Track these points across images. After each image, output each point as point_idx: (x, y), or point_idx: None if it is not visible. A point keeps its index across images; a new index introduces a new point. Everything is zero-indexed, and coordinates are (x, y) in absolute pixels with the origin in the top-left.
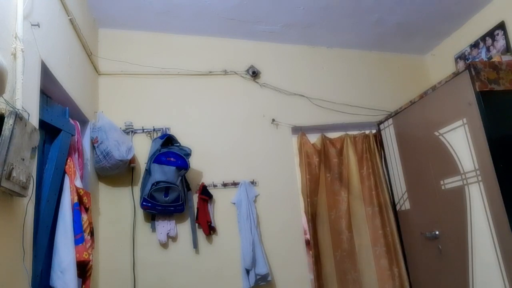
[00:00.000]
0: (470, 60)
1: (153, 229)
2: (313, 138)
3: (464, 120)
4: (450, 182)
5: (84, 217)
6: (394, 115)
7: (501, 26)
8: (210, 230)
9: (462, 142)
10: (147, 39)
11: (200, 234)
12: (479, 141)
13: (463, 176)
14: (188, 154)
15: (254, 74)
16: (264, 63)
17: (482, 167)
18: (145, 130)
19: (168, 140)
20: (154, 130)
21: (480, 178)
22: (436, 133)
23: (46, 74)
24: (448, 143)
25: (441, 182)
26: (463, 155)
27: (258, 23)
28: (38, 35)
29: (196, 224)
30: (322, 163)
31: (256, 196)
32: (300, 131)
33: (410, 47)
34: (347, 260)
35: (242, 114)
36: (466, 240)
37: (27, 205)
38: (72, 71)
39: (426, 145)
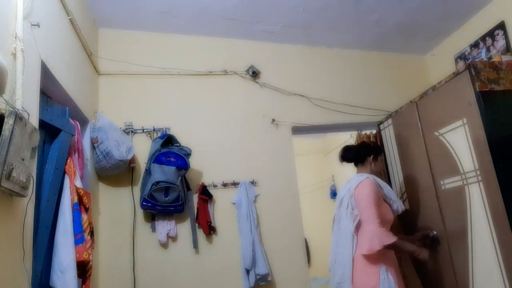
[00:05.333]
0: (470, 60)
1: (153, 229)
2: (313, 138)
3: (464, 120)
4: (450, 182)
5: (84, 217)
6: (394, 115)
7: (501, 26)
8: (210, 230)
9: (462, 142)
10: (147, 39)
11: (200, 234)
12: (479, 141)
13: (463, 176)
14: (188, 154)
15: (254, 74)
16: (264, 63)
17: (482, 167)
18: (145, 130)
19: (168, 140)
20: (154, 130)
21: (480, 178)
22: (436, 133)
23: (46, 74)
24: (448, 143)
25: (441, 182)
26: (463, 155)
27: (258, 23)
28: (38, 35)
29: (196, 224)
30: None
31: (256, 196)
32: (299, 131)
33: (410, 47)
34: None
35: (242, 114)
36: (466, 241)
37: (27, 205)
38: (72, 71)
39: (426, 145)
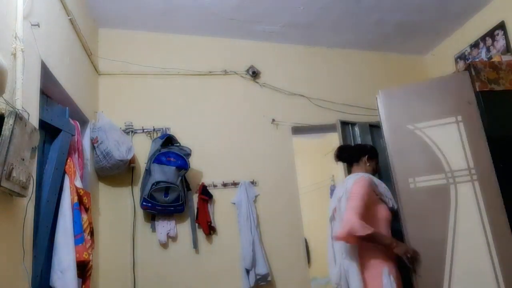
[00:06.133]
0: (470, 60)
1: (153, 229)
2: (313, 138)
3: (459, 117)
4: (425, 181)
5: (84, 217)
6: None
7: (501, 26)
8: (210, 230)
9: (453, 139)
10: (147, 39)
11: (200, 234)
12: (478, 141)
13: (449, 175)
14: (188, 154)
15: (254, 74)
16: (264, 63)
17: (479, 166)
18: (145, 130)
19: (168, 140)
20: (154, 130)
21: (475, 177)
22: (410, 127)
23: (46, 74)
24: (429, 138)
25: (410, 180)
26: (452, 153)
27: (258, 23)
28: (38, 35)
29: (196, 224)
30: None
31: (256, 196)
32: (299, 131)
33: (410, 47)
34: None
35: (242, 114)
36: (444, 242)
37: (27, 205)
38: (72, 71)
39: (391, 138)
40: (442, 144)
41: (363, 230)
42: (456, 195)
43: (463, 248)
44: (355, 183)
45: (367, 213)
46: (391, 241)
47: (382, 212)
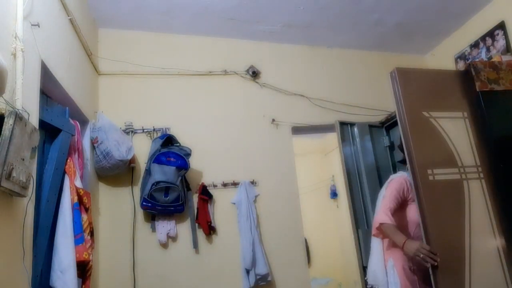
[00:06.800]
0: (470, 60)
1: (153, 229)
2: (313, 138)
3: (465, 114)
4: (443, 174)
5: (84, 217)
6: (394, 115)
7: (501, 26)
8: (210, 230)
9: (462, 134)
10: (147, 39)
11: (200, 234)
12: (480, 140)
13: (462, 170)
14: (188, 154)
15: (254, 74)
16: (264, 63)
17: (483, 165)
18: (145, 130)
19: (168, 140)
20: (154, 130)
21: (482, 175)
22: (426, 114)
23: (46, 74)
24: (443, 130)
25: (429, 172)
26: (463, 148)
27: (258, 23)
28: (38, 35)
29: (196, 224)
30: None
31: (256, 196)
32: (299, 131)
33: (410, 47)
34: None
35: (242, 114)
36: (463, 240)
37: (27, 205)
38: (72, 71)
39: (417, 126)
40: (454, 138)
41: (381, 217)
42: (469, 192)
43: (479, 250)
44: (390, 182)
45: (398, 212)
46: (402, 239)
47: (414, 215)
